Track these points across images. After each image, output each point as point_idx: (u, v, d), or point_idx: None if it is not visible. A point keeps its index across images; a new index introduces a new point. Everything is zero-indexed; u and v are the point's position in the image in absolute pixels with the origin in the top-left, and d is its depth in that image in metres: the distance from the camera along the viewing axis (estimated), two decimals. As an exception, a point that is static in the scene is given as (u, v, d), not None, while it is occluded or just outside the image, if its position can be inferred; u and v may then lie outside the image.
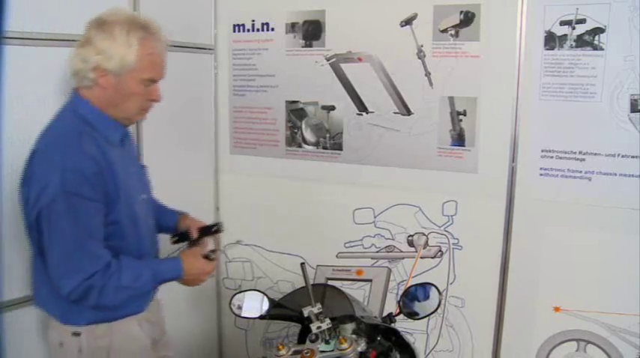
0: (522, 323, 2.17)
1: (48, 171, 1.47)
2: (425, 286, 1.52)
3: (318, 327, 1.50)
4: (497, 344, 2.22)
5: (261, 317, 1.69)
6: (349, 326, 1.52)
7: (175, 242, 1.92)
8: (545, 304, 2.12)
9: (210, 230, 1.87)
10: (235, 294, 1.71)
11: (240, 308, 1.69)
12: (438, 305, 1.48)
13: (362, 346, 1.46)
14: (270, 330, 2.62)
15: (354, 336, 1.49)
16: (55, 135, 1.55)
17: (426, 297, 1.50)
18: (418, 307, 1.51)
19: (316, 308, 1.56)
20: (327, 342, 1.49)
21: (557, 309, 2.11)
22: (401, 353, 1.48)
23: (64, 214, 1.46)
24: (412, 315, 1.52)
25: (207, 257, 1.77)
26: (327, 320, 1.50)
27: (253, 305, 1.70)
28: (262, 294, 1.70)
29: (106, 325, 1.62)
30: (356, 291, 2.41)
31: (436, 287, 1.50)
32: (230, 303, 1.71)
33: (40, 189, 1.47)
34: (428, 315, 1.50)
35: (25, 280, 1.77)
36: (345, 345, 1.41)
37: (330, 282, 2.45)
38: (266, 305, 1.69)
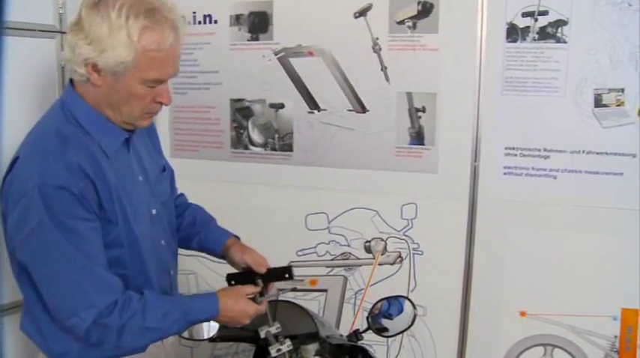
0: (487, 330, 2.08)
1: (25, 189, 1.21)
2: (397, 299, 1.37)
3: (278, 350, 1.34)
4: (461, 352, 2.12)
5: (211, 340, 1.51)
6: (312, 347, 1.38)
7: (232, 285, 1.51)
8: (511, 309, 2.04)
9: (282, 275, 1.49)
10: None
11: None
12: (413, 321, 1.34)
13: (328, 369, 1.32)
14: (219, 347, 2.43)
15: (317, 358, 1.35)
16: (37, 139, 1.29)
17: (399, 312, 1.35)
18: (389, 322, 1.36)
19: (274, 328, 1.40)
20: (288, 367, 1.34)
21: (523, 314, 2.04)
22: (370, 372, 1.34)
23: (55, 241, 1.21)
24: (382, 331, 1.38)
25: (254, 299, 1.43)
26: (288, 342, 1.35)
27: (201, 326, 1.52)
28: None
29: None
30: (310, 302, 2.26)
31: (410, 301, 1.36)
32: None
33: (20, 213, 1.22)
34: (401, 332, 1.35)
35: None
36: (308, 369, 1.26)
37: (281, 293, 2.29)
38: (215, 325, 1.51)
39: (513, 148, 1.98)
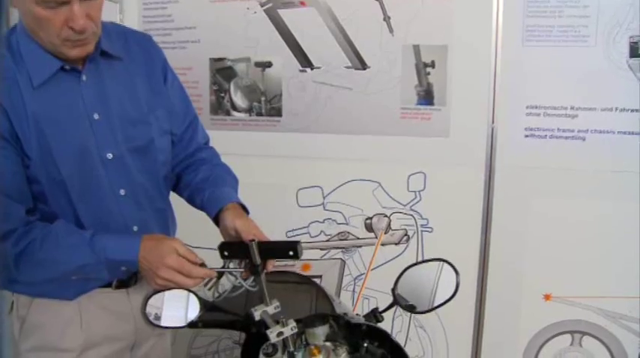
0: (507, 316, 1.95)
1: None
2: (432, 264, 1.13)
3: (280, 333, 1.07)
4: (477, 343, 1.97)
5: (192, 325, 1.23)
6: (321, 330, 1.12)
7: (225, 256, 1.27)
8: (534, 292, 1.93)
9: (285, 252, 1.23)
10: (151, 295, 1.24)
11: (158, 315, 1.24)
12: (456, 290, 1.09)
13: (343, 357, 1.07)
14: (196, 345, 2.21)
15: (329, 344, 1.10)
16: None
17: (436, 280, 1.10)
18: (420, 296, 1.11)
19: (272, 307, 1.14)
20: (291, 355, 1.08)
21: (547, 297, 1.92)
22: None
23: None
24: (413, 308, 1.13)
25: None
26: (292, 323, 1.09)
27: (177, 309, 1.25)
28: (189, 294, 1.24)
29: (28, 298, 1.36)
30: (302, 290, 2.06)
31: (451, 264, 1.11)
32: (144, 308, 1.24)
33: None
34: (439, 305, 1.10)
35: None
36: (319, 358, 1.01)
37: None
38: (195, 310, 1.24)
39: (536, 107, 1.86)
